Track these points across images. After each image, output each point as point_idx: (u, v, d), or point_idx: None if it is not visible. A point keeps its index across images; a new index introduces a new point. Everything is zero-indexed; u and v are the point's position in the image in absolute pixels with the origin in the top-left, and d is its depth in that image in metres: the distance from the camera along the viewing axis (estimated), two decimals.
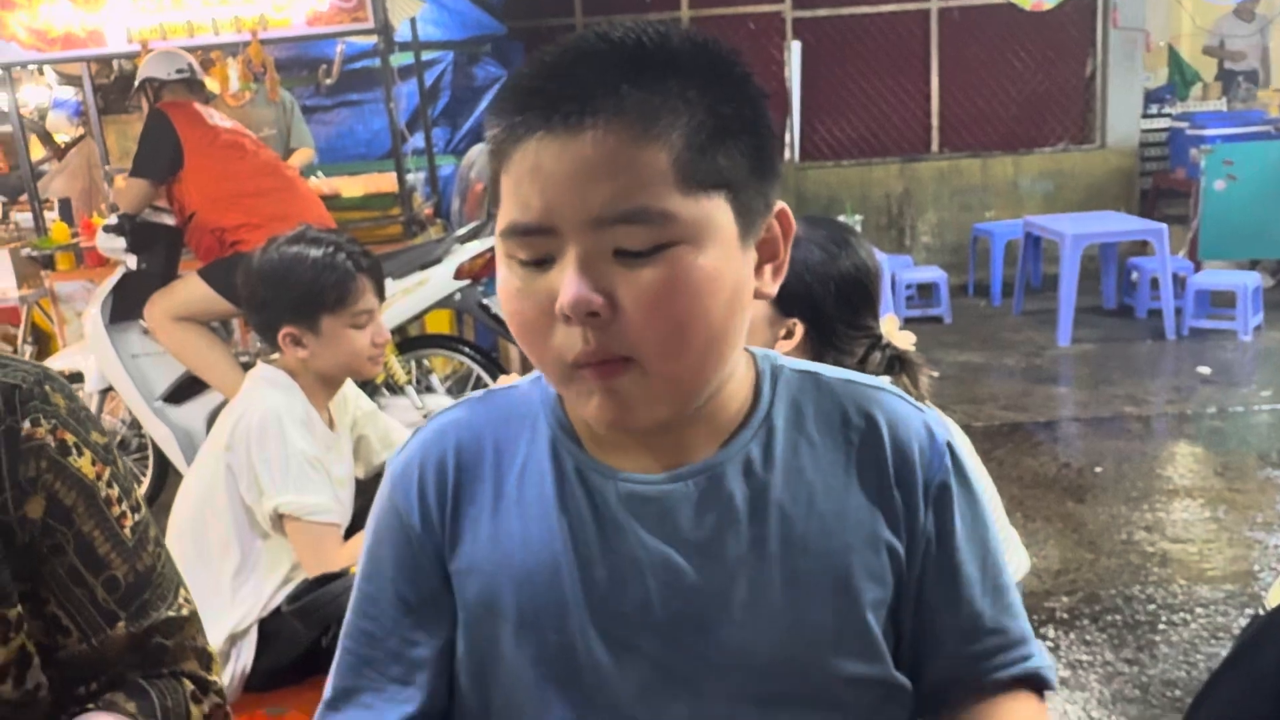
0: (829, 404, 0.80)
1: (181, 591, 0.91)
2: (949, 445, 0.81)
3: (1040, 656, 0.84)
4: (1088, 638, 2.67)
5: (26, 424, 0.80)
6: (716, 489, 0.76)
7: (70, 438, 0.83)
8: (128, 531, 0.86)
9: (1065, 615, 2.78)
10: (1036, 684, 0.83)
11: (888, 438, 0.79)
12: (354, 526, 1.90)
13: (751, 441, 0.78)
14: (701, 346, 0.70)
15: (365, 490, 2.09)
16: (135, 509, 0.87)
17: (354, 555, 1.78)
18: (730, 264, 0.70)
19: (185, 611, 0.90)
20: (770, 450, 0.78)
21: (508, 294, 0.71)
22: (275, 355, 1.97)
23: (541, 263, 0.68)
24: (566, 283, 0.67)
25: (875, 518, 0.78)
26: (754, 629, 0.76)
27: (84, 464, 0.83)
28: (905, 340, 1.65)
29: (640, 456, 0.77)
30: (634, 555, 0.76)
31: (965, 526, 0.81)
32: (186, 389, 3.66)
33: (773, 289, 0.76)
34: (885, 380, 0.88)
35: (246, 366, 3.49)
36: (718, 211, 0.69)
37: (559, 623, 0.77)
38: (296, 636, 1.72)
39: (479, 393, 0.87)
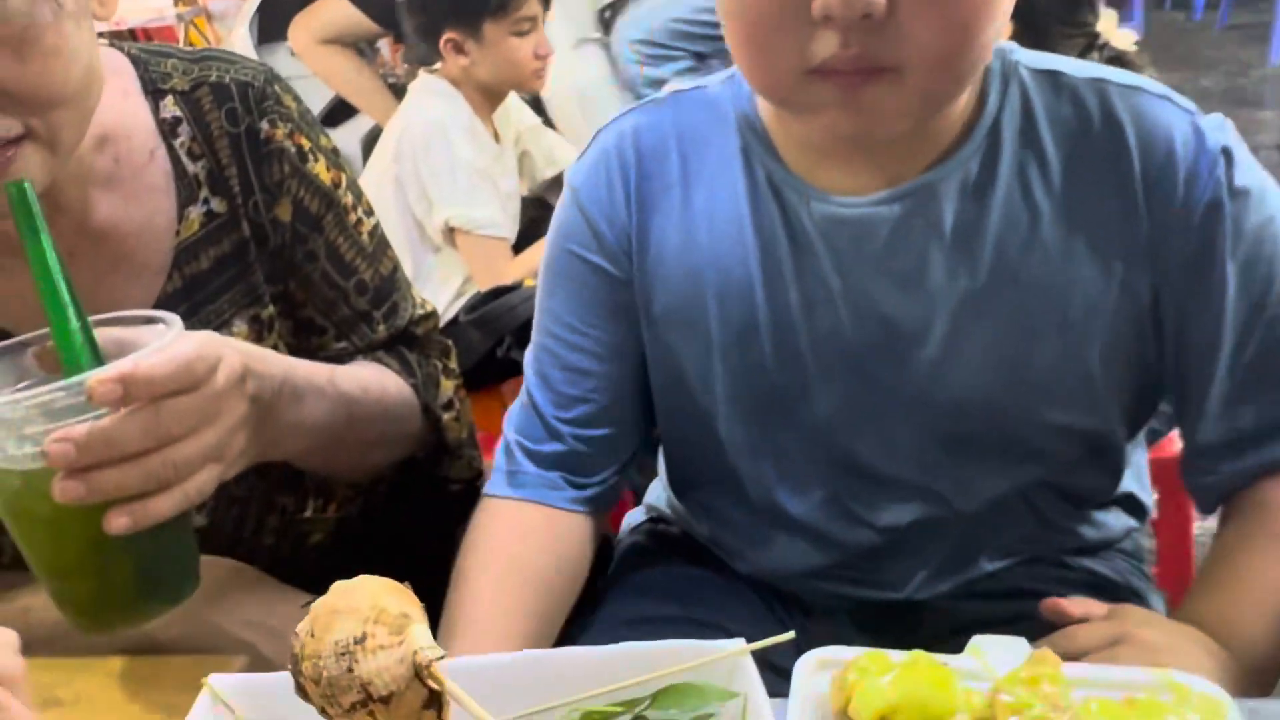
0: (1069, 109, 0.69)
1: (416, 292, 0.93)
2: (1225, 152, 0.66)
3: None
4: None
5: (265, 124, 0.79)
6: (925, 211, 0.68)
7: (306, 142, 0.82)
8: (366, 236, 0.86)
9: None
10: None
11: (1136, 147, 0.67)
12: (521, 243, 1.89)
13: (972, 157, 0.68)
14: (975, 56, 0.62)
15: (530, 208, 2.07)
16: (369, 213, 0.87)
17: (525, 266, 1.78)
18: None
19: (429, 308, 0.93)
20: (993, 167, 0.68)
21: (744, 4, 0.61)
22: (437, 65, 1.91)
23: None
24: None
25: (1114, 247, 0.68)
26: (951, 366, 0.70)
27: (320, 169, 0.83)
28: (1126, 40, 1.48)
29: (842, 171, 0.70)
30: (826, 280, 0.71)
31: (1240, 256, 0.66)
32: (338, 113, 3.64)
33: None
34: (1131, 74, 0.74)
35: (395, 89, 3.45)
36: None
37: (748, 343, 0.73)
38: (473, 346, 1.76)
39: (662, 93, 0.79)
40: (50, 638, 0.69)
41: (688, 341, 0.76)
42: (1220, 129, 0.68)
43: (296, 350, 0.85)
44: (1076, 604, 0.66)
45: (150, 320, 0.61)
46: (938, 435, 0.72)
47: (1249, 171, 0.67)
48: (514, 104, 2.03)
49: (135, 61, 0.79)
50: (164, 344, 0.57)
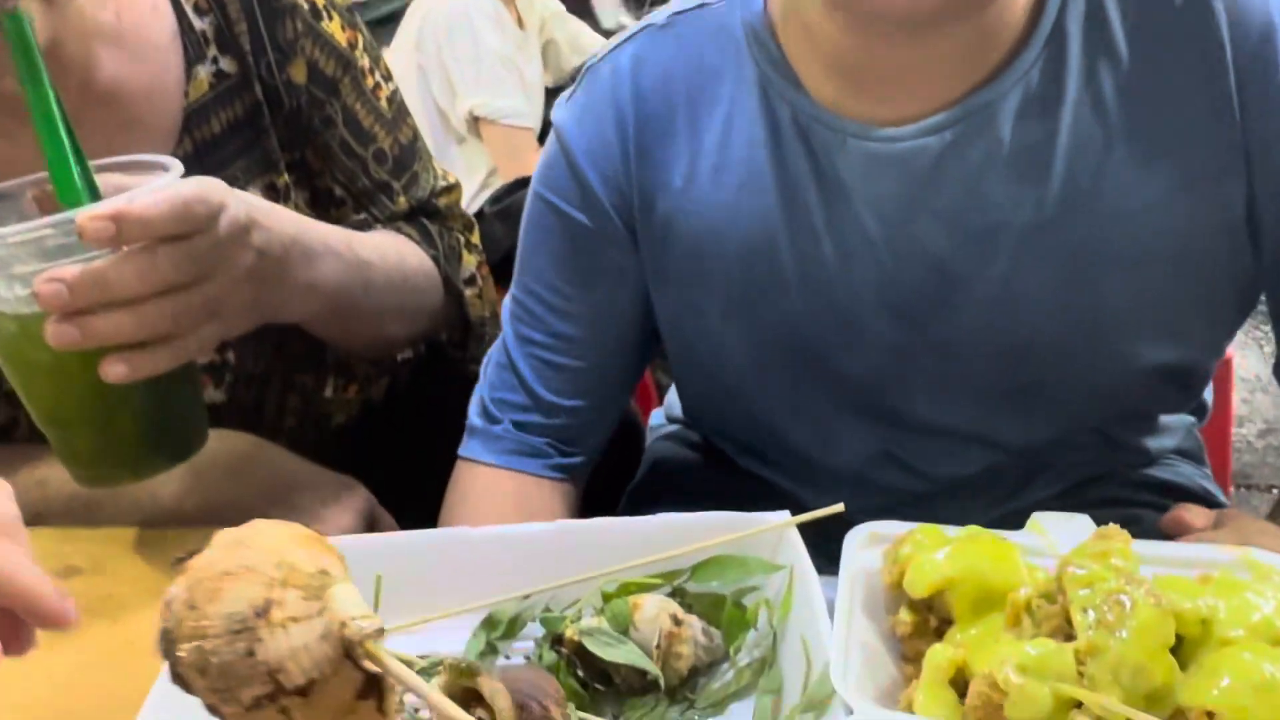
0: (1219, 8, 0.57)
1: (437, 163, 0.88)
2: None
3: None
4: None
5: None
6: (981, 136, 0.59)
7: (320, 0, 0.77)
8: (384, 102, 0.81)
9: None
10: None
11: (1226, 26, 0.57)
12: (545, 135, 1.84)
13: (1034, 66, 0.58)
14: None
15: (555, 98, 2.01)
16: (386, 78, 0.82)
17: None
18: None
19: (451, 179, 0.88)
20: (1058, 77, 0.58)
21: None
22: None
23: None
24: None
25: (1202, 154, 0.58)
26: (1012, 309, 0.62)
27: (335, 28, 0.78)
28: None
29: (878, 96, 0.60)
30: (865, 228, 0.62)
31: None
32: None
33: None
34: None
35: None
36: None
37: (776, 302, 0.65)
38: (496, 238, 1.72)
39: (658, 14, 0.68)
40: (67, 510, 0.67)
41: (706, 300, 0.67)
42: None
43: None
44: (1195, 514, 0.59)
45: (155, 168, 0.57)
46: (999, 384, 0.65)
47: None
48: None
49: None
50: (162, 184, 0.53)
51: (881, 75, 0.59)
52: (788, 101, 0.62)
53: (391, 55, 1.90)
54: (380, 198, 0.81)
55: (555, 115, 0.70)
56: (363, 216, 0.81)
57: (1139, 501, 0.71)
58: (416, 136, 0.84)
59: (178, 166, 0.56)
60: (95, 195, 0.54)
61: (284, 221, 0.62)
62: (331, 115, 0.78)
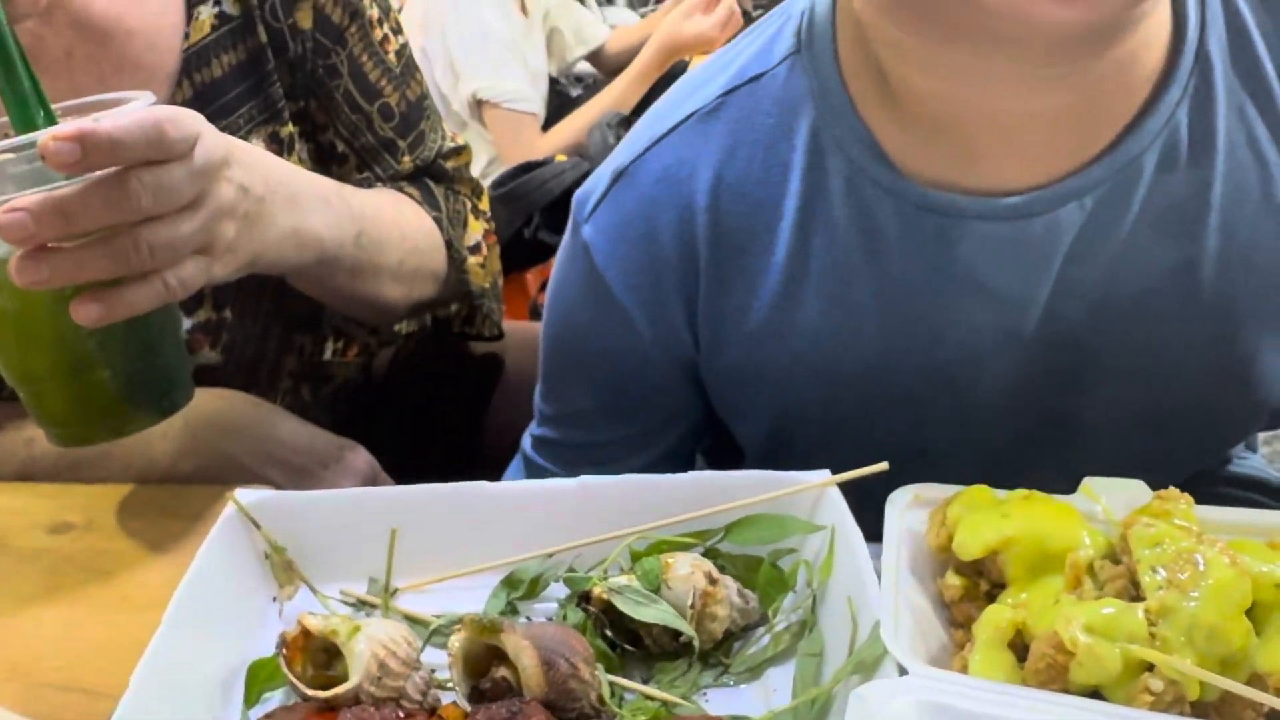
0: None
1: (446, 125, 0.85)
2: None
3: None
4: None
5: None
6: (1124, 201, 0.50)
7: None
8: (393, 56, 0.78)
9: None
10: None
11: None
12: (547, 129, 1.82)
13: (1180, 104, 0.49)
14: None
15: (557, 88, 1.99)
16: (396, 31, 0.79)
17: (555, 144, 1.71)
18: None
19: (460, 140, 0.85)
20: (1207, 114, 0.50)
21: None
22: None
23: None
24: None
25: None
26: (1161, 378, 0.54)
27: None
28: None
29: (1000, 158, 0.49)
30: (993, 319, 0.52)
31: None
32: None
33: None
34: None
35: None
36: None
37: (888, 420, 0.56)
38: (499, 224, 1.69)
39: (705, 101, 0.55)
40: (54, 470, 0.64)
41: (800, 431, 0.58)
42: None
43: None
44: None
45: (126, 101, 0.52)
46: (1124, 456, 0.54)
47: None
48: None
49: None
50: (133, 109, 0.49)
51: (1003, 134, 0.49)
52: (884, 189, 0.51)
53: None
54: (384, 155, 0.78)
55: (586, 224, 0.58)
56: (365, 175, 0.78)
57: (1214, 495, 0.66)
58: (425, 94, 0.81)
59: (149, 96, 0.52)
60: (52, 119, 0.50)
61: (265, 163, 0.58)
62: (337, 65, 0.75)
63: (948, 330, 0.53)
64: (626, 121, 1.61)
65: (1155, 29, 0.49)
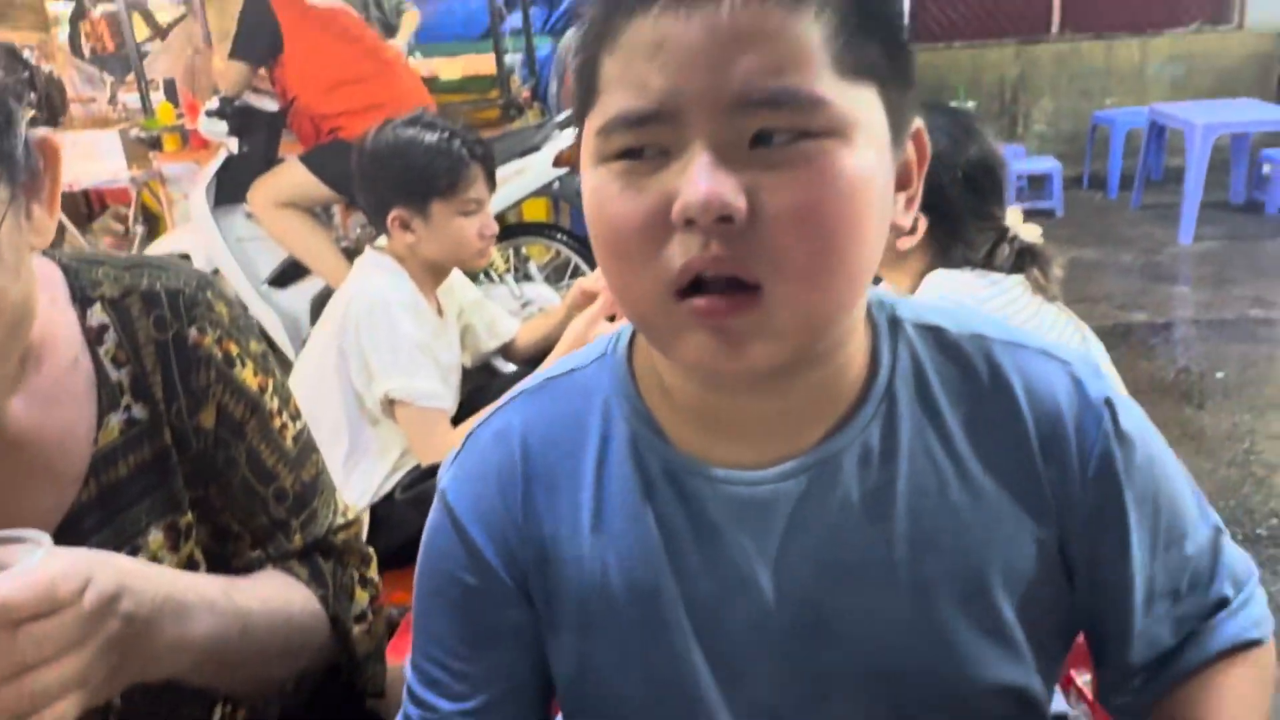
0: (956, 369, 0.68)
1: (340, 497, 0.91)
2: (1107, 403, 0.67)
3: (1243, 614, 0.73)
4: None
5: (194, 331, 0.79)
6: (831, 484, 0.65)
7: (234, 348, 0.81)
8: (290, 442, 0.85)
9: None
10: (1248, 645, 0.72)
11: (1026, 405, 0.66)
12: (460, 416, 1.91)
13: (872, 422, 0.66)
14: (849, 270, 0.58)
15: (470, 379, 2.09)
16: (295, 418, 0.87)
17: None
18: (882, 169, 0.59)
19: (352, 514, 0.91)
20: (893, 431, 0.66)
21: (602, 201, 0.58)
22: (382, 242, 1.96)
23: (654, 157, 0.57)
24: (696, 174, 0.54)
25: (1018, 505, 0.66)
26: (881, 640, 0.67)
27: (248, 375, 0.82)
28: (1032, 233, 1.57)
29: (738, 442, 0.66)
30: (739, 567, 0.67)
31: (1135, 498, 0.68)
32: (290, 273, 3.71)
33: (907, 220, 0.65)
34: (1025, 329, 0.74)
35: (347, 252, 3.52)
36: (871, 105, 0.58)
37: (666, 647, 0.68)
38: (407, 523, 1.74)
39: (533, 380, 0.74)
40: None
41: (599, 651, 0.70)
42: (1097, 377, 0.69)
43: (216, 556, 0.83)
44: None
45: (21, 543, 0.58)
46: (878, 710, 0.68)
47: (1129, 415, 0.68)
48: (458, 279, 2.08)
49: (65, 270, 0.79)
50: (27, 566, 0.54)
51: (738, 426, 0.66)
52: (657, 454, 0.68)
53: (315, 336, 1.99)
54: (277, 535, 0.84)
55: (441, 477, 0.74)
56: (258, 553, 0.83)
57: None
58: (320, 473, 0.88)
59: (46, 540, 0.57)
60: None
61: (156, 581, 0.64)
62: (236, 456, 0.81)
63: (707, 574, 0.67)
64: None
65: (851, 363, 0.66)
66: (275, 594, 0.79)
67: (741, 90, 0.54)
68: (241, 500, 0.82)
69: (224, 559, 0.83)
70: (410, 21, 4.97)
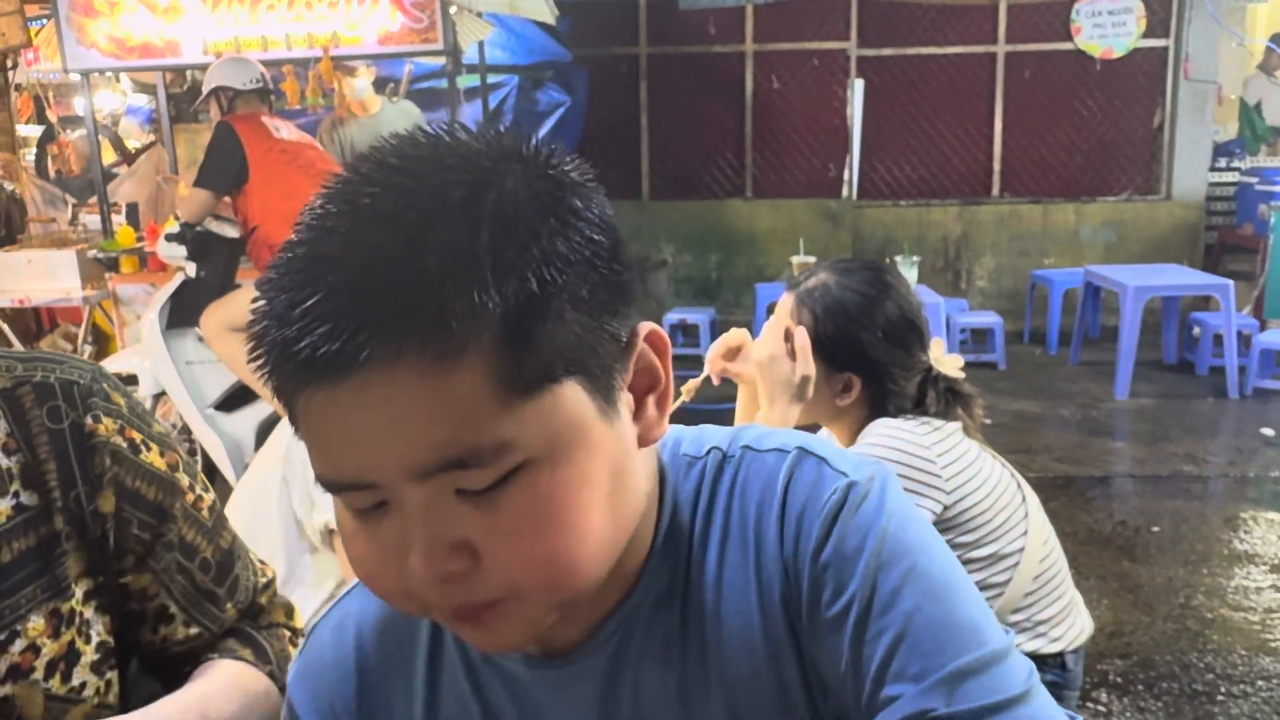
0: (741, 488, 0.65)
1: (254, 555, 0.95)
2: (849, 487, 0.61)
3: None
4: (1142, 704, 2.58)
5: (89, 419, 0.81)
6: (631, 638, 0.64)
7: (137, 435, 0.84)
8: (205, 513, 0.88)
9: (1119, 679, 2.69)
10: None
11: (777, 507, 0.63)
12: None
13: (661, 566, 0.65)
14: (587, 559, 0.56)
15: None
16: (206, 490, 0.89)
17: None
18: (599, 452, 0.56)
19: (270, 573, 0.94)
20: (678, 568, 0.65)
21: (346, 534, 0.57)
22: None
23: (377, 506, 0.54)
24: (415, 547, 0.53)
25: (778, 609, 0.63)
26: None
27: (154, 458, 0.84)
28: (953, 365, 1.61)
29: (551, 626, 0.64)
30: None
31: (860, 587, 0.60)
32: (237, 398, 3.70)
33: (663, 424, 0.61)
34: (801, 435, 0.69)
35: None
36: (565, 402, 0.54)
37: None
38: None
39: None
40: None
41: None
42: (861, 464, 0.63)
43: (154, 646, 0.85)
44: None
45: None
46: None
47: (867, 498, 0.61)
48: None
49: None
50: None
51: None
52: (468, 648, 0.67)
53: (257, 461, 1.97)
54: (209, 608, 0.87)
55: (290, 670, 0.72)
56: (196, 630, 0.85)
57: None
58: (234, 537, 0.91)
59: None
60: None
61: None
62: (171, 539, 0.84)
63: None
64: None
65: (638, 539, 0.63)
66: (236, 695, 0.82)
67: (422, 465, 0.51)
68: (178, 580, 0.84)
69: (150, 646, 0.84)
70: None
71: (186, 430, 3.81)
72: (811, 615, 0.61)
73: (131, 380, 3.71)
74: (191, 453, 3.88)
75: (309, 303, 0.49)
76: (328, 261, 0.50)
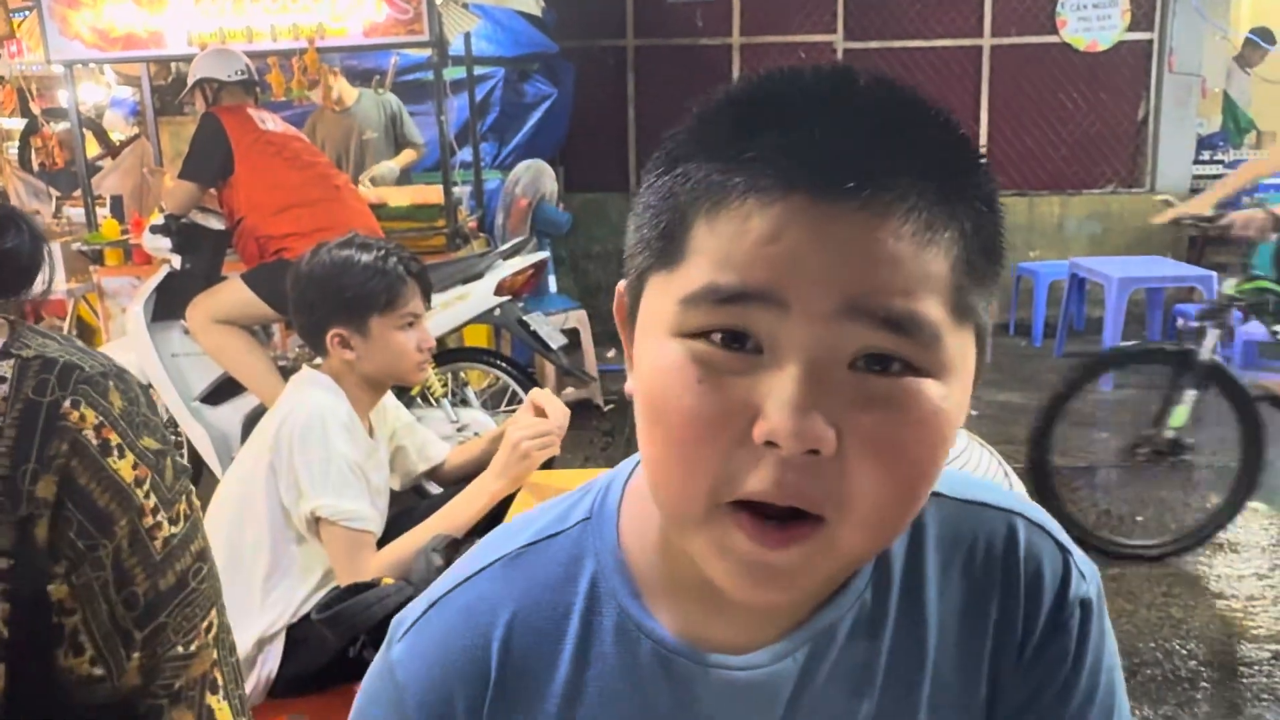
0: (949, 529, 0.65)
1: (211, 615, 0.85)
2: (1081, 604, 0.65)
3: None
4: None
5: (68, 404, 0.77)
6: (825, 655, 0.61)
7: (115, 439, 0.79)
8: (158, 544, 0.80)
9: None
10: None
11: (1024, 586, 0.64)
12: (386, 537, 1.89)
13: (867, 587, 0.62)
14: (918, 506, 0.54)
15: (398, 500, 2.09)
16: (173, 521, 0.82)
17: (386, 566, 1.78)
18: (963, 412, 0.54)
19: (205, 658, 0.84)
20: (884, 594, 0.63)
21: (674, 385, 0.51)
22: (319, 360, 1.98)
23: (739, 352, 0.51)
24: (787, 401, 0.49)
25: (984, 671, 0.64)
26: None
27: (124, 466, 0.79)
28: None
29: (738, 622, 0.61)
30: None
31: (1078, 698, 0.65)
32: (223, 391, 3.69)
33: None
34: (1015, 495, 0.70)
35: (284, 371, 3.52)
36: (969, 351, 0.54)
37: None
38: (324, 644, 1.71)
39: (510, 549, 0.66)
40: None
41: None
42: (1086, 571, 0.66)
43: (24, 647, 0.76)
44: None
45: None
46: None
47: (1097, 619, 0.66)
48: (390, 402, 2.10)
49: (12, 326, 0.80)
50: None
51: (729, 613, 0.60)
52: (645, 636, 0.62)
53: (244, 451, 1.97)
54: (117, 646, 0.79)
55: (393, 641, 0.65)
56: (100, 672, 0.79)
57: None
58: (182, 587, 0.82)
59: None
60: None
61: None
62: (102, 558, 0.78)
63: None
64: (455, 544, 1.71)
65: None
66: None
67: (859, 298, 0.49)
68: (100, 604, 0.78)
69: (65, 678, 0.78)
70: (408, 156, 5.21)
71: (173, 423, 3.80)
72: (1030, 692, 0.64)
73: None
74: (177, 447, 3.86)
75: (853, 120, 0.51)
76: (852, 91, 0.53)
